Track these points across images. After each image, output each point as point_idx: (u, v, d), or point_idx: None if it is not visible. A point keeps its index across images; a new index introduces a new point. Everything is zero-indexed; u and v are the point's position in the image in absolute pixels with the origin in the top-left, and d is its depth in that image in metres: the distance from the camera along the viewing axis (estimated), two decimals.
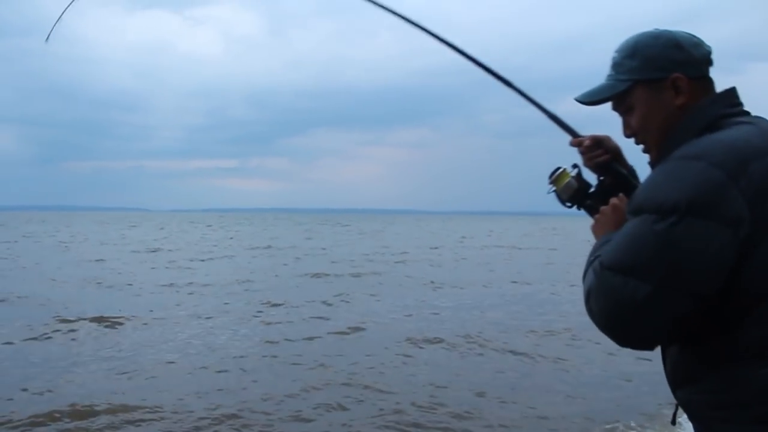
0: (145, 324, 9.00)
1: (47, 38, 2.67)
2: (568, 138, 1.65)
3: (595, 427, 5.06)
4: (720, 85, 1.32)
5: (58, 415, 5.06)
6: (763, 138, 1.17)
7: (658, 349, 1.32)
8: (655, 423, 5.09)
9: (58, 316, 9.26)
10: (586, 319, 1.27)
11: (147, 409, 5.23)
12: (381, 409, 5.40)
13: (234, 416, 5.13)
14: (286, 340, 8.07)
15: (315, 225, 67.13)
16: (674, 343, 1.24)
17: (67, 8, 2.56)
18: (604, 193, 1.58)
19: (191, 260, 20.05)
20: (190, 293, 12.39)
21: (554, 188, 1.66)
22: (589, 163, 1.60)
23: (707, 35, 1.36)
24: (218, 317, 9.66)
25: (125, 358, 7.01)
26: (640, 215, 1.16)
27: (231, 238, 37.45)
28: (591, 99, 1.37)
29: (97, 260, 19.34)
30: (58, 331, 8.36)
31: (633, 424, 5.09)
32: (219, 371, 6.53)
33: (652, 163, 1.34)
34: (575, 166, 1.64)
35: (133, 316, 9.36)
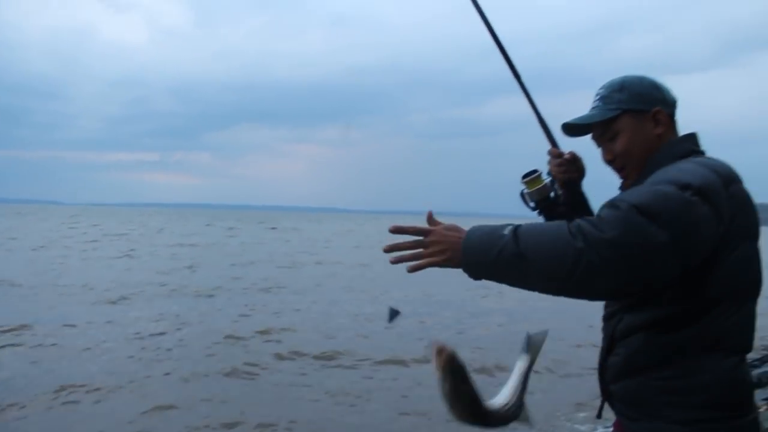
0: None
1: None
2: (547, 145, 1.83)
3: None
4: None
5: None
6: (732, 169, 1.34)
7: (596, 349, 1.48)
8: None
9: None
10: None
11: None
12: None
13: None
14: None
15: (219, 222, 63.93)
16: (636, 331, 1.34)
17: None
18: (556, 204, 1.73)
19: None
20: None
21: (527, 189, 1.75)
22: (559, 176, 1.77)
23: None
24: None
25: None
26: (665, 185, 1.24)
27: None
28: (582, 122, 1.53)
29: None
30: None
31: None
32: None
33: (630, 185, 1.45)
34: (549, 173, 1.76)
35: None
